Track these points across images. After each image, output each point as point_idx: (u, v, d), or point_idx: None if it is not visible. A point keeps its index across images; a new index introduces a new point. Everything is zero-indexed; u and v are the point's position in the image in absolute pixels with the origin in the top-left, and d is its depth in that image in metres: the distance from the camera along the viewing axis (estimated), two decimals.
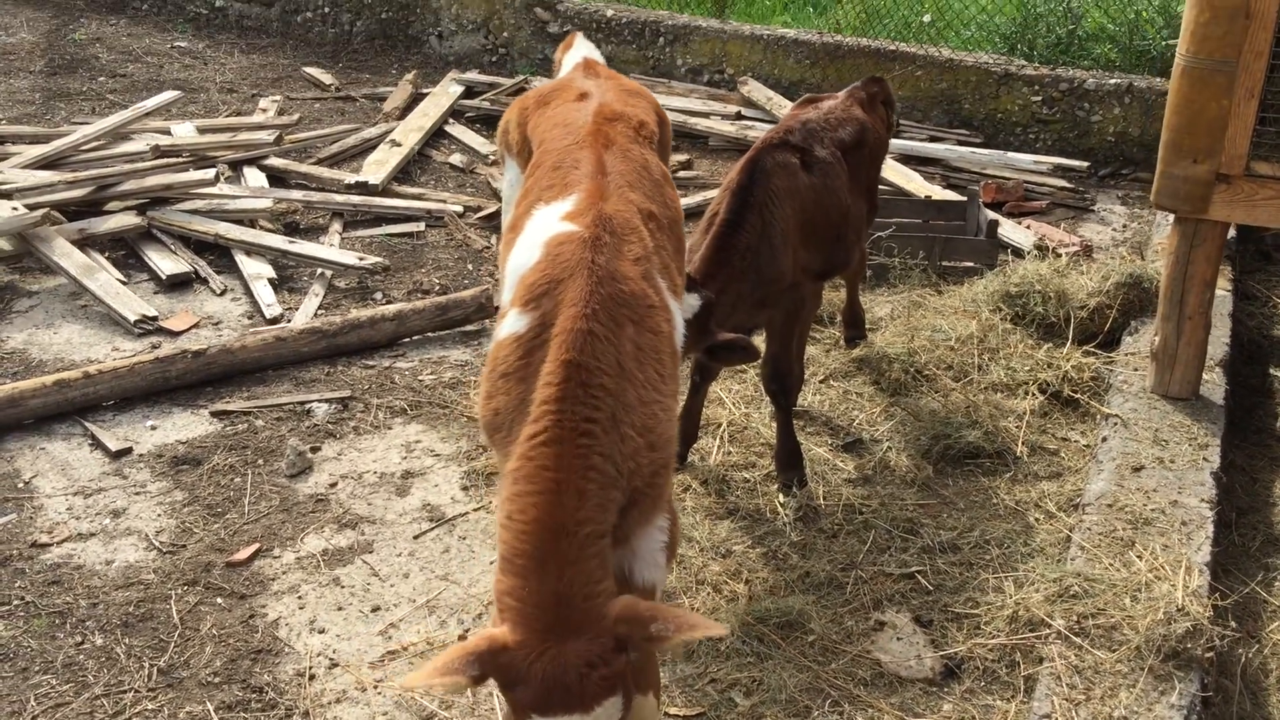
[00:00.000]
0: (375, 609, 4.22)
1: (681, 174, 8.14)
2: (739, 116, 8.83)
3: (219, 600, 4.26)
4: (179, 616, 4.17)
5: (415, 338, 6.05)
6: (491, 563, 4.44)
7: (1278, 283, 7.00)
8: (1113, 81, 8.11)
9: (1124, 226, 7.53)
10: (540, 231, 3.19)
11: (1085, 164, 7.90)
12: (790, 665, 3.87)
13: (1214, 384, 5.22)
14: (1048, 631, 3.84)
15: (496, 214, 7.55)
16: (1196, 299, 4.95)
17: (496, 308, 6.24)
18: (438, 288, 6.60)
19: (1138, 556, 4.07)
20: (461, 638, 4.01)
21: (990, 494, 4.77)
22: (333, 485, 4.91)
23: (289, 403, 5.46)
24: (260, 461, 5.04)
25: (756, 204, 4.25)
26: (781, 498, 4.66)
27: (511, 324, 3.06)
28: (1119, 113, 8.09)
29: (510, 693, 2.78)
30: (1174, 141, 4.71)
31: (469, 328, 6.16)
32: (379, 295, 6.48)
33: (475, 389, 5.55)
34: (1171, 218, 7.06)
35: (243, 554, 4.48)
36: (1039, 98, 8.28)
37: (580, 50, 4.12)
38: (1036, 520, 4.60)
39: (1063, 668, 3.65)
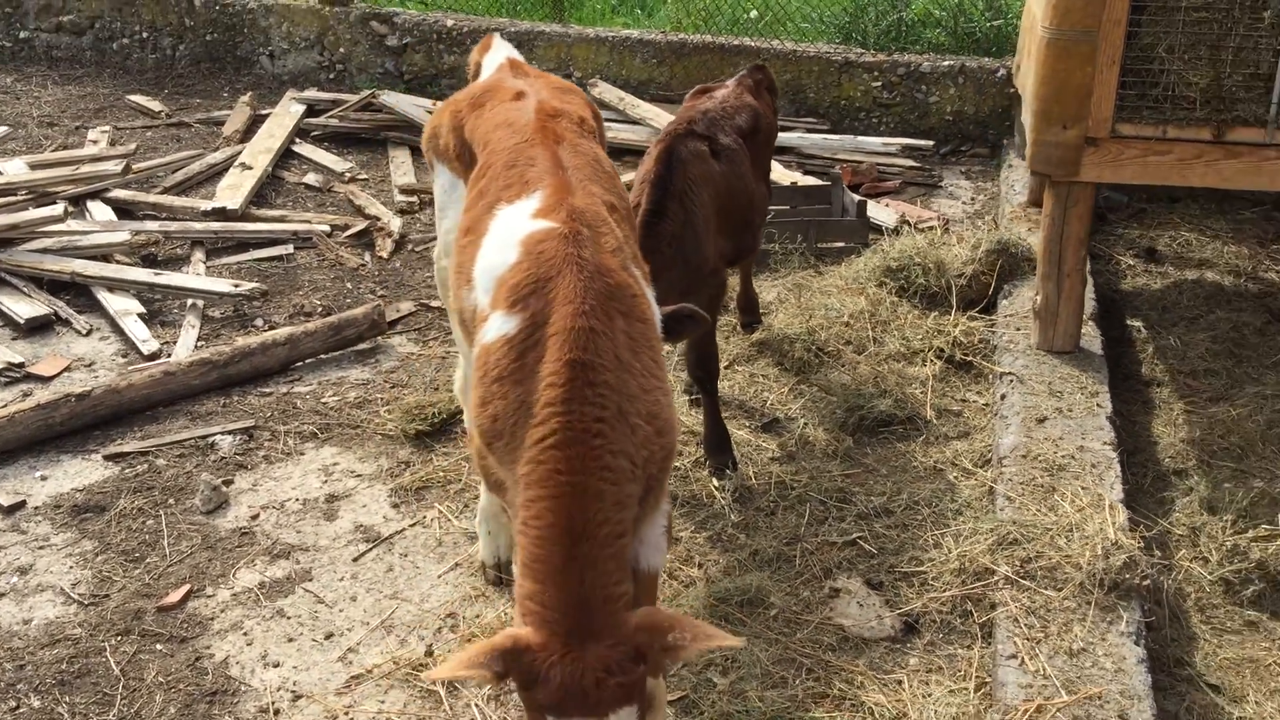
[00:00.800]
0: (329, 636, 4.11)
1: None
2: None
3: (159, 646, 4.07)
4: (119, 668, 3.96)
5: (309, 360, 5.89)
6: (440, 576, 4.39)
7: (1115, 241, 7.49)
8: (946, 63, 8.52)
9: (972, 200, 7.92)
10: (512, 231, 3.17)
11: (931, 143, 8.28)
12: (759, 640, 3.95)
13: (1090, 337, 5.57)
14: (995, 579, 4.03)
15: (365, 231, 7.41)
16: (1074, 257, 5.28)
17: (390, 323, 6.15)
18: (320, 309, 6.43)
19: (1061, 500, 4.32)
20: (428, 653, 3.95)
21: (908, 458, 4.97)
22: (255, 517, 4.74)
23: (189, 438, 5.24)
24: (171, 501, 4.83)
25: (677, 193, 4.32)
26: (716, 482, 4.75)
27: (499, 326, 3.04)
28: (954, 93, 8.51)
29: (528, 692, 2.79)
30: (1044, 110, 5.00)
31: (362, 346, 6.03)
32: (259, 322, 6.28)
33: (385, 406, 5.46)
34: (1018, 188, 7.51)
35: (174, 596, 4.29)
36: (879, 83, 8.63)
37: (501, 51, 4.11)
38: (956, 478, 4.82)
39: (1017, 610, 3.84)
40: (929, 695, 3.64)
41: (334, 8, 9.76)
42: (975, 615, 4.02)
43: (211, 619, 4.20)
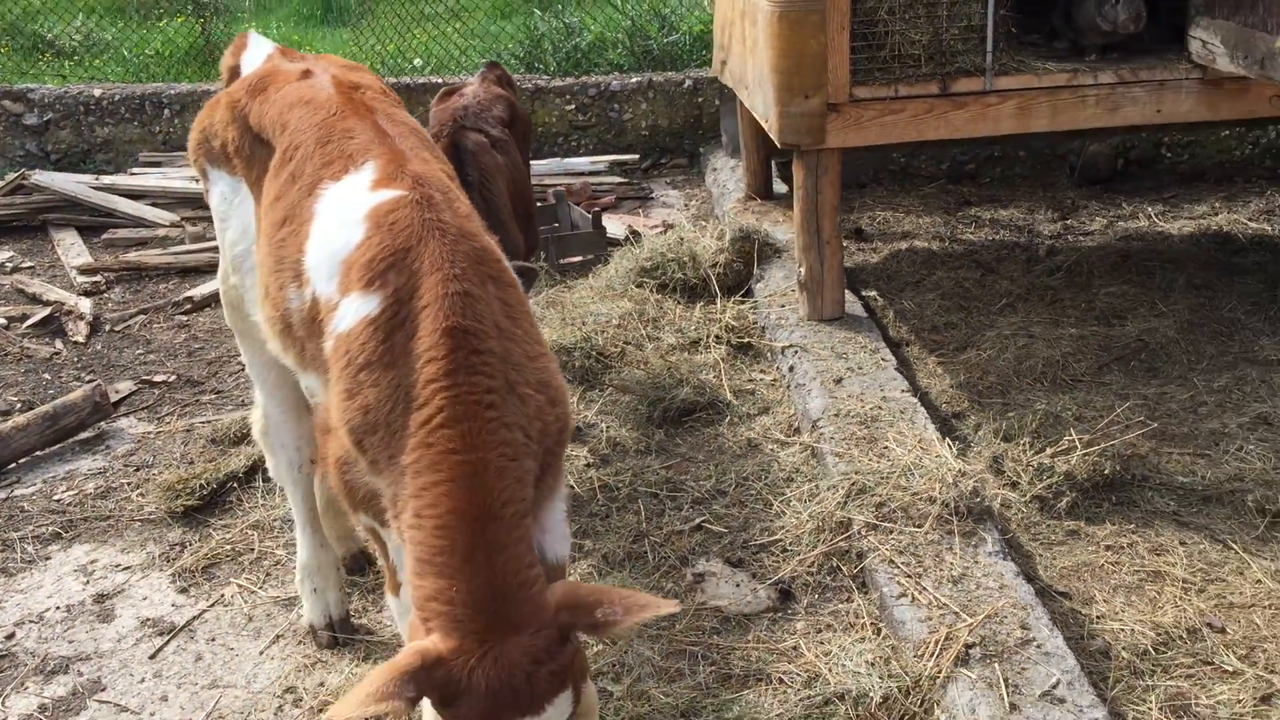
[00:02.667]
0: None
1: None
2: None
3: None
4: None
5: (23, 460, 5.07)
6: (262, 652, 3.83)
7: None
8: (634, 80, 8.66)
9: (685, 206, 8.05)
10: (350, 208, 2.80)
11: (636, 156, 8.36)
12: (641, 640, 3.70)
13: (852, 301, 5.72)
14: (854, 530, 3.98)
15: (50, 318, 6.57)
16: (830, 224, 5.40)
17: (114, 404, 5.44)
18: (19, 405, 5.59)
19: (890, 446, 4.35)
20: None
21: (721, 440, 4.88)
22: (9, 637, 3.98)
23: None
24: None
25: (475, 184, 4.05)
26: None
27: (356, 309, 2.65)
28: (646, 108, 8.65)
29: (450, 709, 2.42)
30: (785, 83, 5.11)
31: (86, 435, 5.27)
32: None
33: (136, 490, 4.77)
34: (730, 186, 7.69)
35: None
36: (571, 106, 8.64)
37: (262, 44, 3.68)
38: (773, 450, 4.77)
39: (889, 552, 3.80)
40: (831, 653, 3.51)
41: None
42: (844, 570, 3.94)
43: None
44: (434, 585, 2.46)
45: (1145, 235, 7.42)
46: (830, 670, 3.40)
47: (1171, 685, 3.60)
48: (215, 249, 7.43)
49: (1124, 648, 3.73)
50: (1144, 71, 5.20)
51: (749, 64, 5.80)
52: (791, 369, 5.19)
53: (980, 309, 6.35)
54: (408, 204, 2.73)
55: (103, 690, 3.70)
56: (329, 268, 2.78)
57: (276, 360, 3.65)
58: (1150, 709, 3.49)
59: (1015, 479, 4.63)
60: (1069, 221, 7.81)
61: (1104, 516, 4.41)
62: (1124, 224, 7.69)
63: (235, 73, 3.64)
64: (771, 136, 5.33)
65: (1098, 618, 3.95)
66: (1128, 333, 5.89)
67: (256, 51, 3.64)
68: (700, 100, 8.64)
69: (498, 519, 2.49)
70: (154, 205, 8.08)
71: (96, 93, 8.81)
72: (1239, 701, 3.52)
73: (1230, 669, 3.64)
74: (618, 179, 8.17)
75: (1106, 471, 4.50)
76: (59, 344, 6.33)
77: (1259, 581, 4.03)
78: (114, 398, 5.56)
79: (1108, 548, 4.29)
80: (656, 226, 7.37)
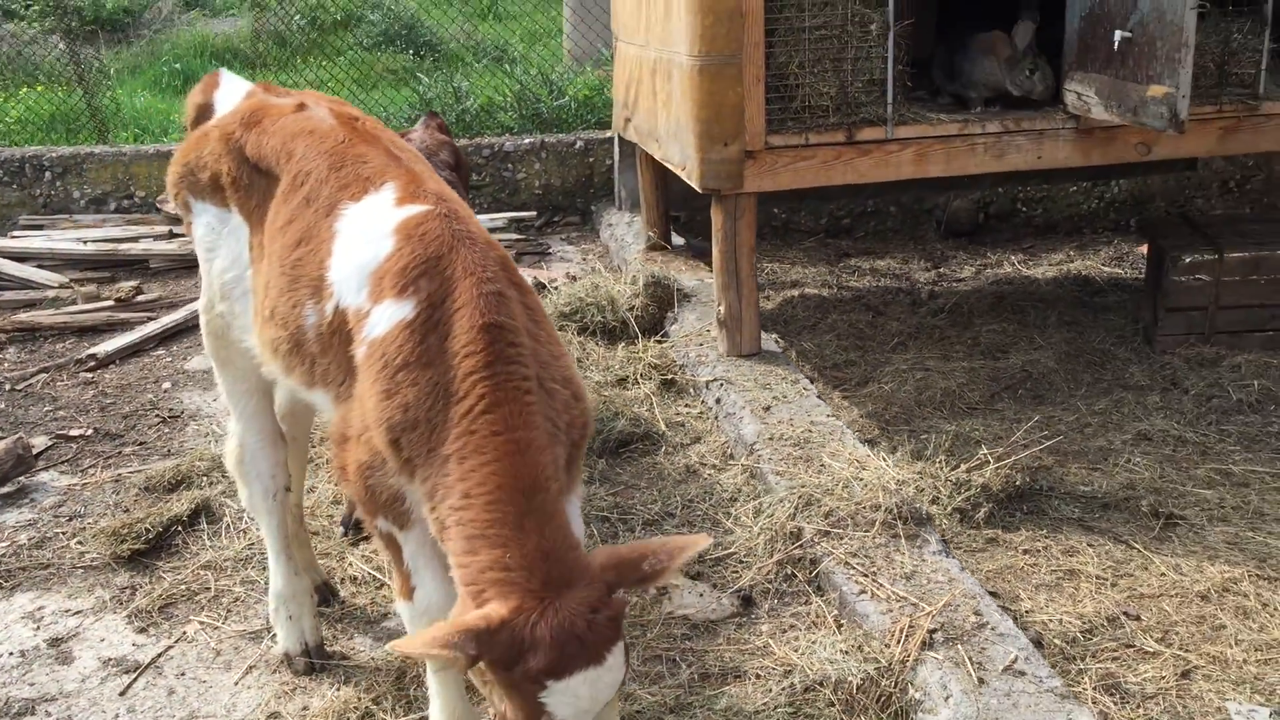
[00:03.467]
0: None
1: (140, 299, 7.48)
2: (171, 235, 8.29)
3: None
4: None
5: None
6: (237, 682, 3.82)
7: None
8: (527, 141, 8.91)
9: (583, 260, 8.30)
10: (376, 223, 2.94)
11: (534, 213, 8.59)
12: None
13: (766, 338, 6.03)
14: (804, 539, 4.23)
15: None
16: (747, 264, 5.72)
17: (37, 455, 5.33)
18: None
19: (828, 461, 4.63)
20: None
21: (660, 468, 5.08)
22: None
23: None
24: None
25: None
26: None
27: (391, 314, 2.79)
28: (539, 168, 8.91)
29: (513, 671, 2.54)
30: (705, 131, 5.43)
31: (5, 490, 5.14)
32: None
33: (74, 539, 4.69)
34: (628, 239, 7.98)
35: None
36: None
37: (238, 82, 3.76)
38: (710, 474, 5.00)
39: (842, 555, 4.06)
40: (801, 648, 3.73)
41: None
42: (800, 575, 4.18)
43: None
44: (489, 556, 2.59)
45: (1013, 280, 8.01)
46: (805, 662, 3.61)
47: (1101, 667, 3.92)
48: (110, 308, 7.34)
49: (1055, 635, 4.05)
50: (1025, 121, 5.71)
51: (660, 117, 6.12)
52: (719, 400, 5.45)
53: (875, 348, 6.75)
54: (435, 217, 2.90)
55: None
56: (358, 280, 2.92)
57: (257, 389, 3.72)
58: (1087, 688, 3.80)
59: (935, 495, 4.96)
60: (941, 270, 8.36)
61: (1018, 524, 4.76)
62: (992, 270, 8.28)
63: (205, 110, 3.73)
64: (691, 182, 5.64)
65: (1026, 612, 4.27)
66: (1012, 364, 6.36)
67: (232, 88, 3.74)
68: (591, 160, 8.94)
69: (544, 490, 2.66)
70: (40, 267, 7.91)
71: None
72: (1163, 678, 3.86)
73: (1150, 650, 3.99)
74: (515, 235, 8.37)
75: (1018, 483, 4.86)
76: None
77: (1163, 574, 4.42)
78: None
79: (1025, 551, 4.63)
80: (555, 280, 7.59)
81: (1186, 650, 3.98)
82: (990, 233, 9.27)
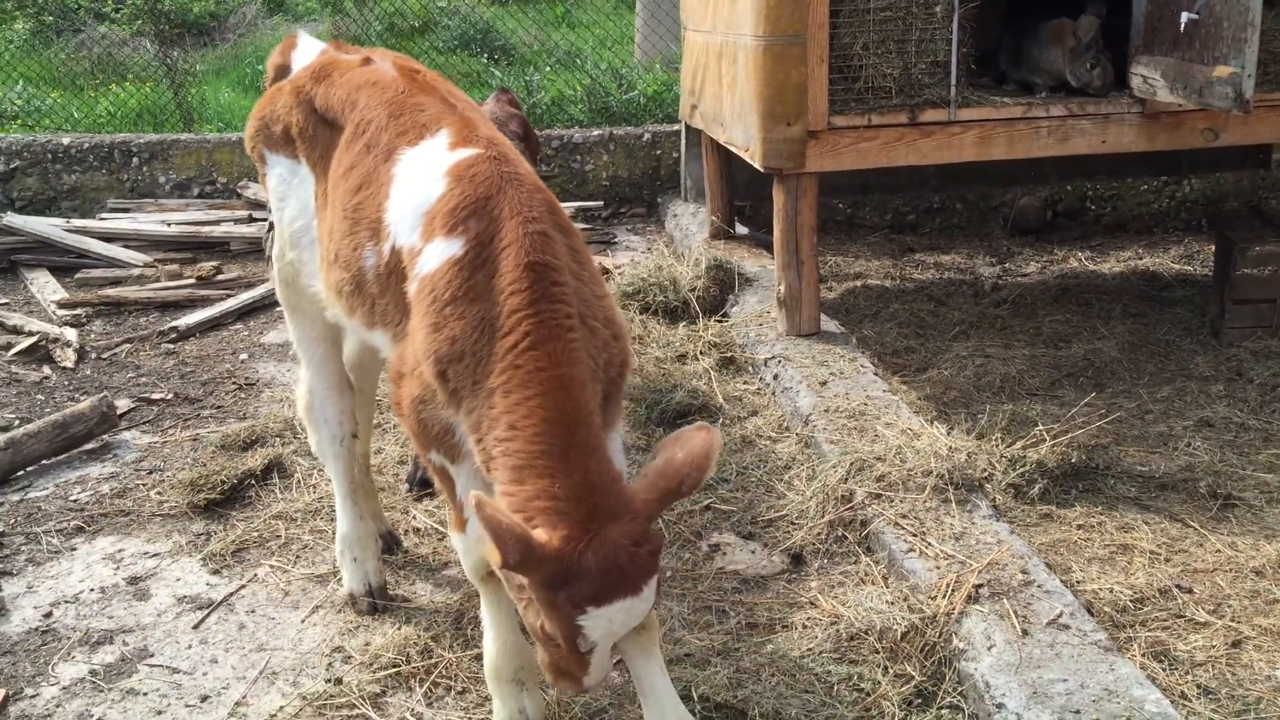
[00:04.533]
0: (204, 699, 3.60)
1: (220, 278, 7.75)
2: (251, 220, 8.57)
3: None
4: None
5: (31, 469, 5.16)
6: (304, 620, 3.99)
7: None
8: (596, 133, 9.07)
9: (648, 250, 8.42)
10: (430, 167, 3.09)
11: (601, 203, 8.73)
12: (666, 598, 3.94)
13: (826, 319, 6.10)
14: (856, 501, 4.29)
15: (34, 347, 6.66)
16: (808, 244, 5.80)
17: (120, 416, 5.56)
18: (17, 422, 5.67)
19: (880, 432, 4.69)
20: (337, 681, 3.57)
21: None
22: (48, 615, 4.08)
23: None
24: None
25: None
26: None
27: (441, 251, 2.92)
28: (607, 159, 9.05)
29: (557, 594, 2.66)
30: (769, 111, 5.52)
31: (91, 446, 5.37)
32: None
33: (154, 489, 4.90)
34: (693, 229, 8.09)
35: None
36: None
37: (313, 43, 3.96)
38: (767, 444, 5.08)
39: (893, 516, 4.12)
40: (848, 601, 3.79)
41: None
42: (850, 536, 4.24)
43: (48, 716, 3.55)
44: (535, 486, 2.70)
45: (1079, 274, 7.98)
46: (852, 612, 3.68)
47: (1150, 635, 3.93)
48: (191, 286, 7.60)
49: (1105, 604, 4.07)
50: (1090, 105, 5.72)
51: (726, 101, 6.23)
52: (776, 377, 5.53)
53: (935, 335, 6.78)
54: (485, 160, 3.03)
55: (150, 657, 3.82)
56: (412, 220, 3.06)
57: (326, 336, 3.89)
58: (1135, 654, 3.81)
59: (990, 470, 4.99)
60: (1007, 265, 8.35)
61: (1073, 501, 4.77)
62: (1058, 266, 8.25)
63: (283, 70, 3.92)
64: (754, 163, 5.73)
65: (1077, 583, 4.28)
66: (1074, 353, 6.35)
67: (307, 48, 3.94)
68: (659, 152, 9.07)
69: (588, 424, 2.76)
70: (126, 248, 8.22)
71: (65, 141, 8.95)
72: (1213, 646, 3.86)
73: (1201, 621, 3.99)
74: (583, 225, 8.52)
75: (1074, 461, 4.87)
76: (47, 369, 6.42)
77: (1219, 551, 4.41)
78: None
79: (1079, 527, 4.64)
80: (620, 266, 7.72)
81: (1238, 622, 3.98)
82: (1058, 230, 9.23)
